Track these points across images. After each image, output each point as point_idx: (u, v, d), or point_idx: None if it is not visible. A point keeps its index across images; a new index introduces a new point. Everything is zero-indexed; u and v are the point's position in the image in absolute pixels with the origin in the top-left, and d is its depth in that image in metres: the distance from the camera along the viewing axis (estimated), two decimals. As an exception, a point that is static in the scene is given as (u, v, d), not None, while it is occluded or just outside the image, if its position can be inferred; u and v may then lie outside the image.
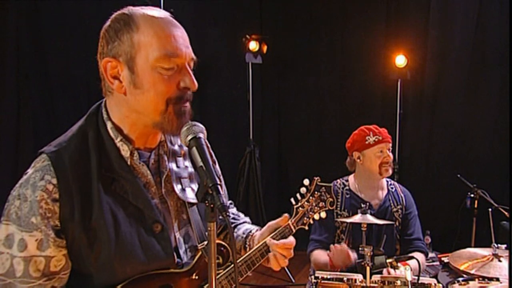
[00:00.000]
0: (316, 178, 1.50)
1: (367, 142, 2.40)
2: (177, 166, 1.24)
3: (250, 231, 1.43)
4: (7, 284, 1.02)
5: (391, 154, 2.43)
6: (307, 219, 1.45)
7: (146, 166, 1.15)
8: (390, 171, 2.42)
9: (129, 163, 1.12)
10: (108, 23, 1.11)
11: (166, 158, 1.21)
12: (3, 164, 3.66)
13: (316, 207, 1.47)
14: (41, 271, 1.04)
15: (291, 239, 1.36)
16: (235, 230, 1.48)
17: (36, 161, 1.09)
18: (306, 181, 1.47)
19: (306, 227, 1.46)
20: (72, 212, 1.04)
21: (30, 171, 1.07)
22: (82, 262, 1.07)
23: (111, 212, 1.07)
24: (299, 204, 1.46)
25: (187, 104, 1.11)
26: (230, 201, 1.60)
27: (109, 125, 1.13)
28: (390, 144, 2.46)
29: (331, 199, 1.50)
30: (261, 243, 1.34)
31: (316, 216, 1.47)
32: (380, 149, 2.40)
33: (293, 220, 1.42)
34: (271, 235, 1.35)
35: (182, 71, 1.09)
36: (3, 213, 1.05)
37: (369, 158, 2.41)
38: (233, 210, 1.58)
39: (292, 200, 1.46)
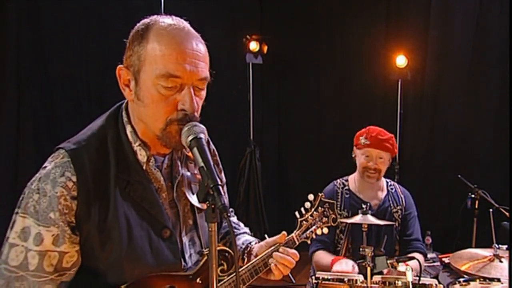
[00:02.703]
0: (320, 194, 1.54)
1: (359, 142, 2.40)
2: (189, 172, 1.25)
3: (250, 243, 1.45)
4: (19, 277, 1.02)
5: (381, 162, 2.36)
6: (310, 233, 1.49)
7: (159, 172, 1.16)
8: (375, 179, 2.38)
9: (144, 168, 1.13)
10: (134, 29, 1.11)
11: (179, 163, 1.22)
12: (3, 164, 3.65)
13: (319, 222, 1.51)
14: (54, 266, 1.04)
15: (294, 251, 1.39)
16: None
17: (55, 155, 1.08)
18: (310, 196, 1.51)
19: (309, 241, 1.49)
20: (89, 211, 1.05)
21: (49, 166, 1.06)
22: (93, 259, 1.08)
23: (125, 215, 1.08)
24: (303, 218, 1.49)
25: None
26: (231, 209, 1.61)
27: (128, 128, 1.13)
28: (384, 153, 2.36)
29: (333, 216, 1.54)
30: (264, 253, 1.36)
31: (319, 231, 1.51)
32: (367, 153, 2.37)
33: (296, 233, 1.46)
34: (274, 247, 1.37)
35: (184, 91, 1.06)
36: (19, 205, 1.05)
37: (358, 158, 2.43)
38: (233, 219, 1.59)
39: (297, 213, 1.50)
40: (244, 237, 1.50)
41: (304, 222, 1.48)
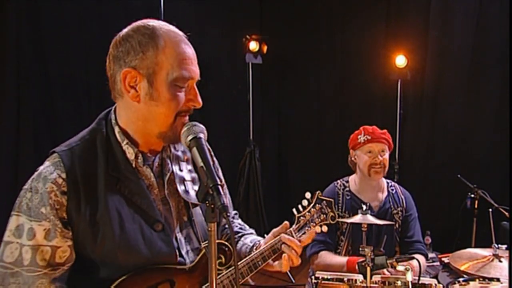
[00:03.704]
0: (317, 192, 1.54)
1: (358, 141, 2.41)
2: (180, 170, 1.30)
3: (258, 241, 1.47)
4: (14, 273, 1.07)
5: (385, 157, 2.38)
6: (308, 229, 1.48)
7: (150, 169, 1.22)
8: (381, 174, 2.37)
9: (134, 165, 1.19)
10: (128, 31, 1.16)
11: (169, 161, 1.27)
12: (3, 164, 3.65)
13: (317, 219, 1.51)
14: (47, 261, 1.09)
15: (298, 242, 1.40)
16: (242, 239, 1.52)
17: (48, 159, 1.16)
18: (307, 194, 1.52)
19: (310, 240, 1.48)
20: (79, 206, 1.10)
21: (42, 167, 1.14)
22: (88, 253, 1.12)
23: (116, 210, 1.13)
24: (301, 214, 1.49)
25: (187, 116, 1.21)
26: (235, 212, 1.64)
27: (116, 129, 1.20)
28: (386, 146, 2.39)
29: (332, 214, 1.53)
30: (263, 246, 1.37)
31: (318, 229, 1.50)
32: (369, 149, 2.37)
33: (294, 228, 1.46)
34: (271, 242, 1.37)
35: (191, 90, 1.18)
36: (14, 207, 1.11)
37: (361, 157, 2.41)
38: (238, 221, 1.62)
39: (294, 210, 1.50)
40: (251, 236, 1.53)
41: (301, 218, 1.48)
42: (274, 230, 1.43)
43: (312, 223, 1.49)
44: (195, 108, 1.20)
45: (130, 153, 1.18)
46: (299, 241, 1.39)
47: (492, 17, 4.18)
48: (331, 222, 1.52)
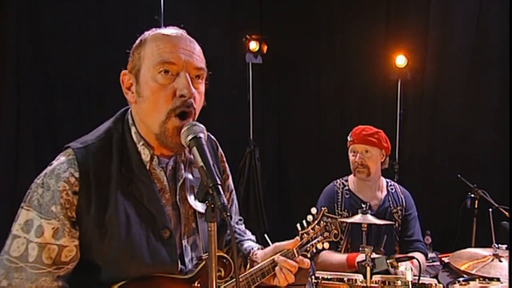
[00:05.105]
0: (323, 209, 1.54)
1: (348, 142, 2.49)
2: (193, 176, 1.28)
3: (252, 248, 1.47)
4: (18, 268, 1.06)
5: (371, 158, 2.38)
6: (310, 247, 1.48)
7: (163, 172, 1.20)
8: (364, 174, 2.38)
9: (148, 167, 1.17)
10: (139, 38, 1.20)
11: (182, 166, 1.25)
12: (3, 164, 3.65)
13: (320, 236, 1.50)
14: (53, 259, 1.08)
15: (295, 263, 1.40)
16: (238, 245, 1.52)
17: (62, 154, 1.14)
18: (313, 210, 1.51)
19: (309, 255, 1.48)
20: (89, 207, 1.09)
21: (55, 162, 1.12)
22: (92, 254, 1.11)
23: (125, 212, 1.12)
24: (305, 230, 1.48)
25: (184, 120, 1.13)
26: (240, 217, 1.63)
27: (133, 129, 1.19)
28: (369, 147, 2.38)
29: (335, 231, 1.53)
30: (263, 262, 1.37)
31: (319, 246, 1.50)
32: (353, 149, 2.44)
33: (297, 246, 1.45)
34: (271, 258, 1.38)
35: (180, 79, 1.11)
36: (24, 200, 1.10)
37: (349, 157, 2.47)
38: (241, 226, 1.61)
39: (298, 226, 1.49)
40: (247, 243, 1.52)
41: (305, 235, 1.47)
42: (277, 244, 1.42)
43: (314, 241, 1.48)
44: (189, 100, 1.10)
45: (145, 154, 1.17)
46: (296, 261, 1.38)
47: (492, 17, 4.18)
48: (334, 239, 1.53)
